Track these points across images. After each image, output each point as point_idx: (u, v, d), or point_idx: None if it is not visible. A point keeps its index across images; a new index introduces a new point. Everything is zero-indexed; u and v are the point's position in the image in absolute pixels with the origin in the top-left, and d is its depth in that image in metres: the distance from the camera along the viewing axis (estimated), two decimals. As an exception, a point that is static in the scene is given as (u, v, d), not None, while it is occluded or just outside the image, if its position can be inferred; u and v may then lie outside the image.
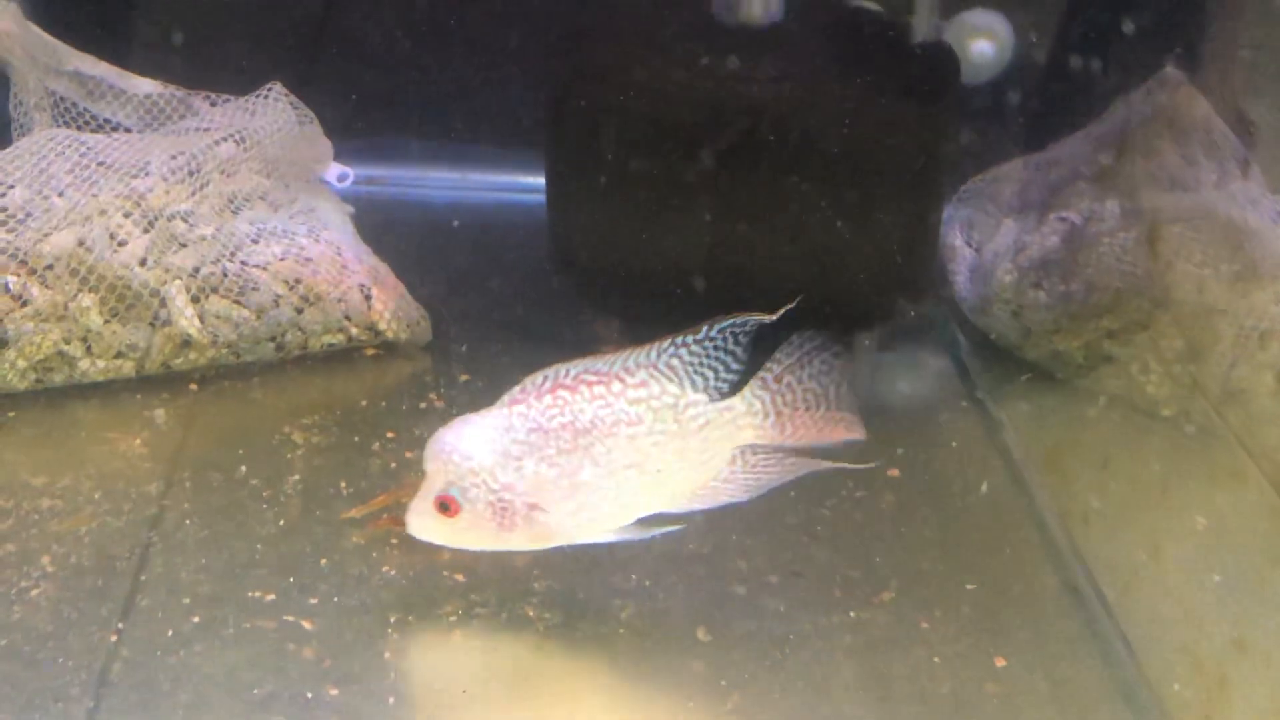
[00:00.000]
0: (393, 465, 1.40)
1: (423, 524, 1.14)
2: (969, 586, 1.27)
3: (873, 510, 1.37)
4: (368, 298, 1.61)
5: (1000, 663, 1.18)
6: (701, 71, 1.59)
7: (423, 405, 1.51)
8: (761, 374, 1.16)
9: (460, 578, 1.24)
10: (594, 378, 1.13)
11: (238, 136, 1.71)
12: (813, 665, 1.16)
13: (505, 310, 1.73)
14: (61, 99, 1.80)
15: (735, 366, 1.15)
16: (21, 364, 1.44)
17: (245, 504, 1.32)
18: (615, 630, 1.19)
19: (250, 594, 1.21)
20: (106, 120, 1.82)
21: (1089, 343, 1.58)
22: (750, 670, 1.15)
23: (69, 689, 1.08)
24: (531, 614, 1.20)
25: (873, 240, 1.63)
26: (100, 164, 1.63)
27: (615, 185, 1.64)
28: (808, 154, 1.59)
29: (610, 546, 1.28)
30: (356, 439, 1.45)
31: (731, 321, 1.14)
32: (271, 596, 1.20)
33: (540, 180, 1.81)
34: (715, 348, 1.15)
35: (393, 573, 1.24)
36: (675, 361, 1.14)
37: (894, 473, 1.43)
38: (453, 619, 1.19)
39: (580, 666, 1.15)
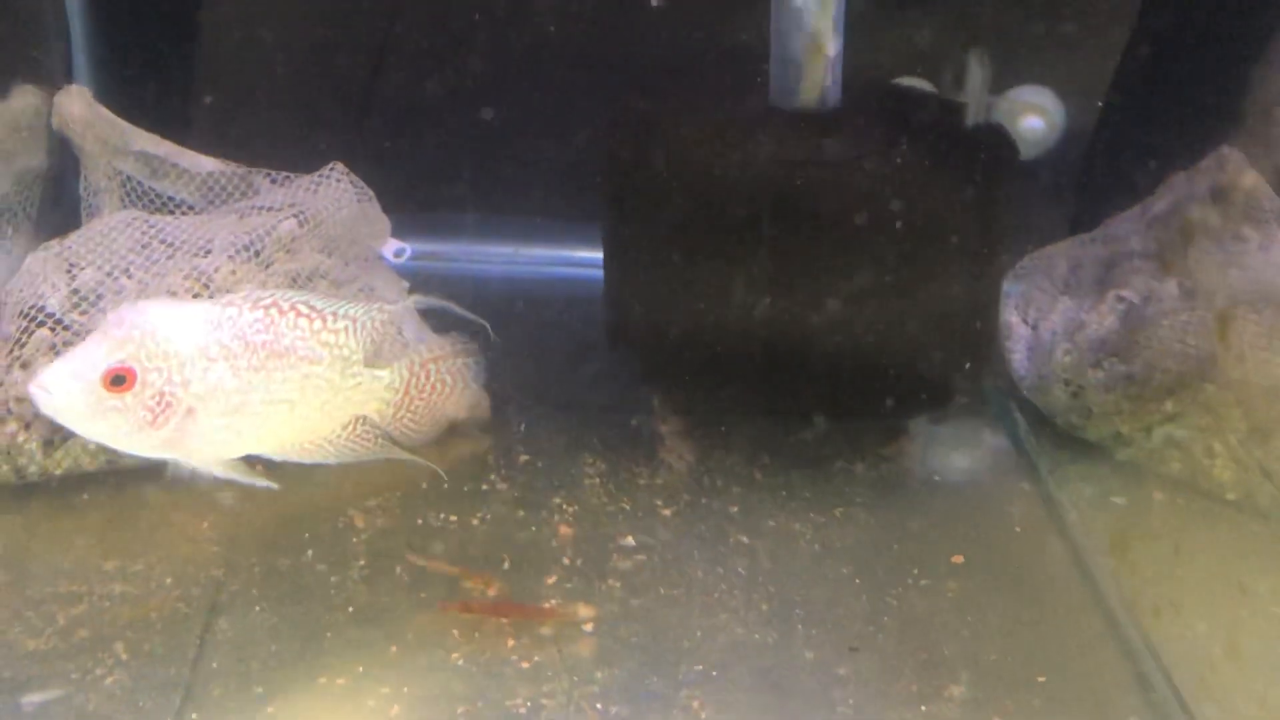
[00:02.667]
0: (456, 547, 1.41)
1: (67, 386, 1.06)
2: (1040, 679, 1.26)
3: (938, 598, 1.36)
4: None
5: (1075, 760, 1.16)
6: (758, 153, 1.61)
7: (484, 487, 1.52)
8: (411, 355, 1.23)
9: (526, 665, 1.24)
10: (306, 309, 1.14)
11: (299, 215, 1.74)
12: (885, 762, 1.15)
13: (563, 387, 1.74)
14: (128, 178, 1.84)
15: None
16: (93, 446, 1.46)
17: (312, 589, 1.33)
18: (684, 724, 1.18)
19: (319, 681, 1.21)
20: (170, 198, 1.86)
21: (1151, 425, 1.57)
22: (822, 767, 1.14)
23: (144, 782, 1.08)
24: (600, 705, 1.20)
25: (932, 318, 1.63)
26: (165, 243, 1.67)
27: (672, 264, 1.65)
28: (864, 234, 1.60)
29: (676, 637, 1.28)
30: (420, 521, 1.45)
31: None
32: (341, 681, 1.21)
33: (594, 254, 1.83)
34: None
35: (461, 661, 1.24)
36: (370, 323, 1.18)
37: (958, 559, 1.42)
38: (522, 710, 1.19)
39: (651, 762, 1.15)
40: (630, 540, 1.42)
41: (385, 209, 1.89)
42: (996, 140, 1.67)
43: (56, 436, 1.46)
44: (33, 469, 1.45)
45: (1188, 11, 1.91)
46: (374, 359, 1.20)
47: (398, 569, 1.37)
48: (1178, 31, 1.93)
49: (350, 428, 1.22)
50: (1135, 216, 1.79)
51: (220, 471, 1.16)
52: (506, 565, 1.37)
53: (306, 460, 1.21)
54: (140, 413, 1.08)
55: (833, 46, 1.63)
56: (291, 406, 1.15)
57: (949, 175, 1.59)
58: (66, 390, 1.07)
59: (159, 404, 1.09)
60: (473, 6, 2.08)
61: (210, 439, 1.13)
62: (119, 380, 1.07)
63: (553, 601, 1.32)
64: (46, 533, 1.40)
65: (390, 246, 1.99)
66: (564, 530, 1.44)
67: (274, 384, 1.13)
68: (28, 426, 1.45)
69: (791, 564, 1.40)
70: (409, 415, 1.25)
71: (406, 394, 1.23)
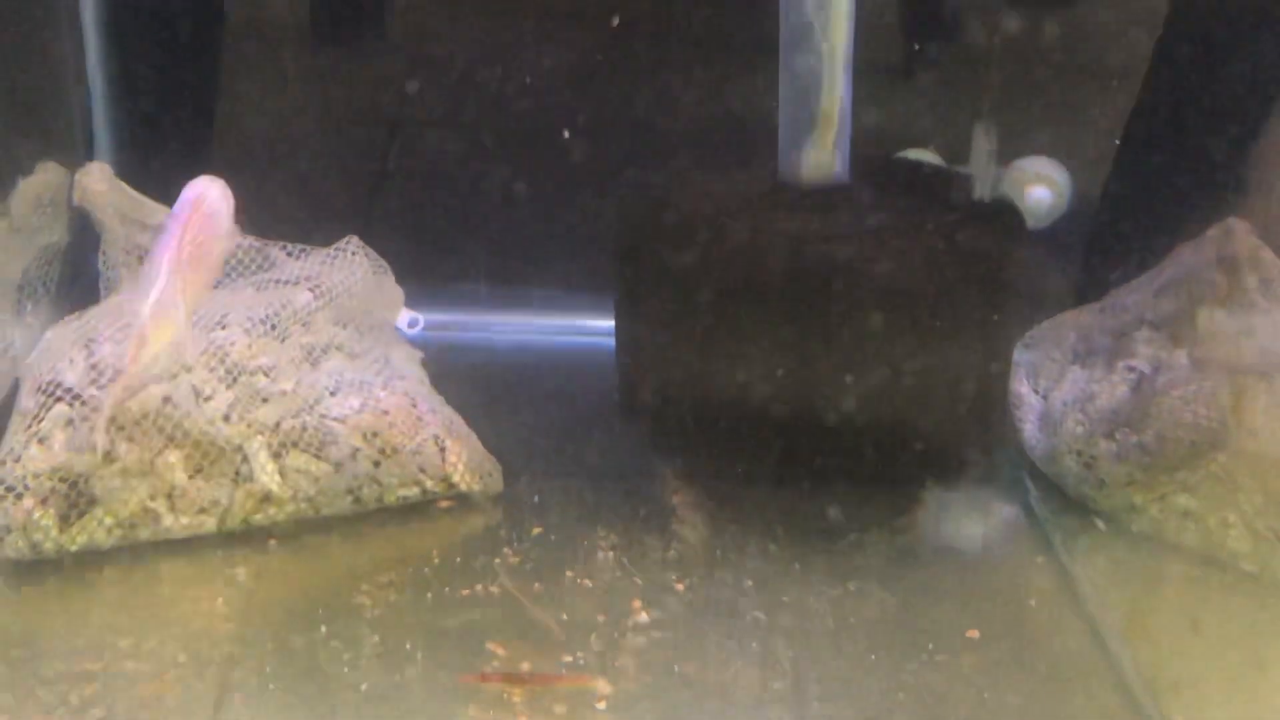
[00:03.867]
0: (471, 620, 1.40)
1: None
2: (1058, 757, 1.25)
3: (955, 674, 1.35)
4: (442, 449, 1.63)
5: (1097, 842, 1.14)
6: (767, 229, 1.64)
7: (496, 561, 1.52)
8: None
9: (541, 745, 1.24)
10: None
11: (314, 287, 1.77)
12: (904, 845, 1.13)
13: (575, 459, 1.75)
14: (146, 252, 1.87)
15: None
16: (109, 521, 1.47)
17: (325, 666, 1.33)
18: (700, 805, 1.17)
19: (332, 762, 1.21)
20: (188, 271, 1.88)
21: (1165, 495, 1.57)
22: None
23: None
24: (615, 786, 1.19)
25: (942, 389, 1.64)
26: (183, 316, 1.68)
27: (683, 337, 1.67)
28: (872, 307, 1.62)
29: (691, 716, 1.28)
30: (430, 596, 1.45)
31: None
32: (353, 764, 1.21)
33: (605, 323, 1.84)
34: None
35: (474, 742, 1.24)
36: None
37: (973, 633, 1.42)
38: (536, 792, 1.18)
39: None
40: (644, 616, 1.42)
41: (398, 280, 1.91)
42: (1004, 214, 1.69)
43: (73, 512, 1.47)
44: (48, 545, 1.45)
45: (1190, 84, 1.94)
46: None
47: (408, 645, 1.36)
48: (1180, 103, 1.96)
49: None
50: (1143, 286, 1.80)
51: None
52: (519, 641, 1.37)
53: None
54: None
55: (840, 122, 1.66)
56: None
57: (957, 248, 1.60)
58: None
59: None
60: (485, 81, 2.13)
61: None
62: None
63: (568, 674, 1.32)
64: (60, 609, 1.41)
65: (404, 317, 2.02)
66: (578, 604, 1.43)
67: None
68: (44, 502, 1.45)
69: (807, 640, 1.39)
70: None
71: None
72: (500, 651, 1.35)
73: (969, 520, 1.65)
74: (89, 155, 2.02)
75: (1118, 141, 1.99)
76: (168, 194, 1.87)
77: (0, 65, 1.89)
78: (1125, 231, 1.97)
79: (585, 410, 1.88)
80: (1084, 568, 1.54)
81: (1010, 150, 2.03)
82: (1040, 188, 2.01)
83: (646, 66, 2.13)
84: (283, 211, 2.10)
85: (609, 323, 1.83)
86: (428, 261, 2.11)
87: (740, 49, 2.09)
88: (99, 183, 1.83)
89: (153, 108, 2.08)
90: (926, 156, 1.99)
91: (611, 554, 1.53)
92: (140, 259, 1.86)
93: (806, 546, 1.56)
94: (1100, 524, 1.61)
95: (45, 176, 1.87)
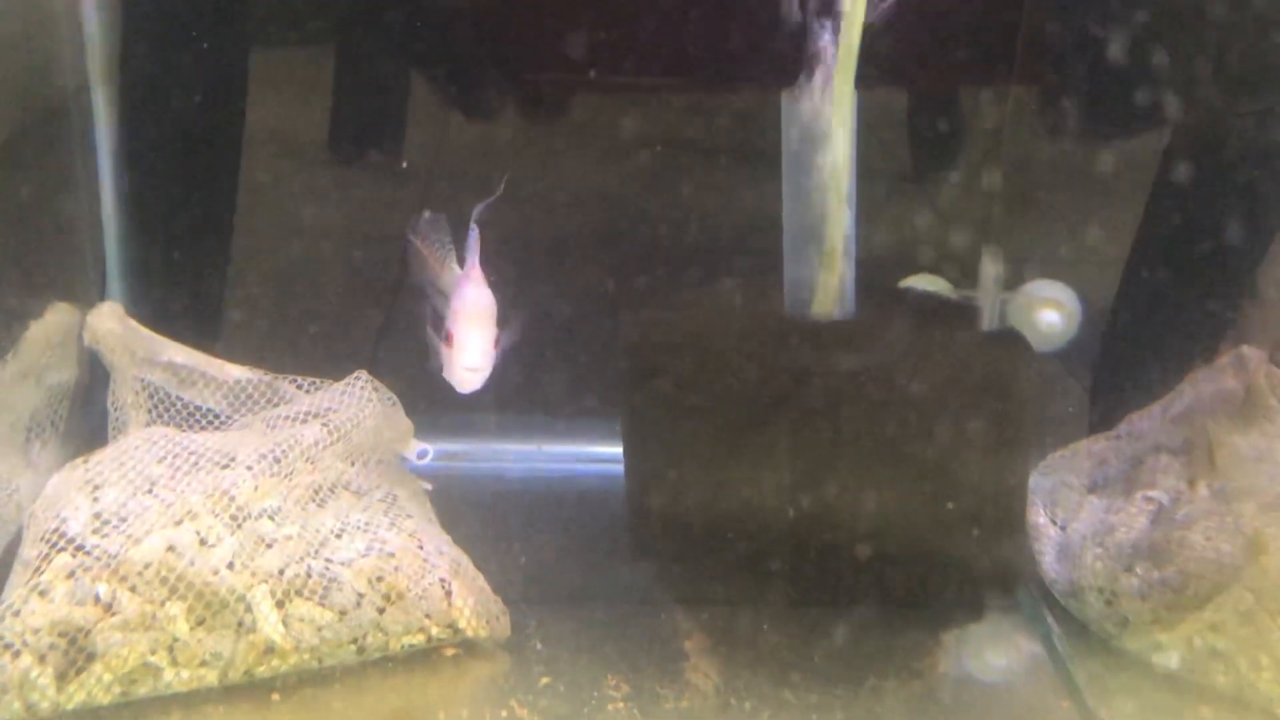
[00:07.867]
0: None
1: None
2: None
3: (980, 835, 1.30)
4: (448, 594, 1.60)
5: None
6: (775, 361, 1.63)
7: (504, 713, 1.48)
8: None
9: None
10: None
11: (324, 424, 1.76)
12: None
13: (584, 602, 1.71)
14: (156, 389, 1.87)
15: None
16: (108, 678, 1.44)
17: (326, 834, 1.28)
18: None
19: None
20: (197, 407, 1.88)
21: (1191, 635, 1.52)
22: None
23: None
24: None
25: (959, 522, 1.62)
26: (189, 455, 1.68)
27: (694, 477, 1.65)
28: (884, 439, 1.60)
29: None
30: (436, 752, 1.41)
31: None
32: None
33: (614, 449, 1.82)
34: None
35: None
36: None
37: (999, 788, 1.36)
38: None
39: None
40: (656, 778, 1.37)
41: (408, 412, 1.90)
42: (1011, 343, 1.68)
43: (71, 669, 1.44)
44: (45, 705, 1.42)
45: (1194, 205, 1.94)
46: None
47: (414, 808, 1.32)
48: (1185, 224, 1.96)
49: None
50: (1157, 414, 1.78)
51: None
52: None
53: None
54: None
55: (845, 254, 1.67)
56: None
57: (965, 379, 1.59)
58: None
59: None
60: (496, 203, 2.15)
61: None
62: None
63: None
64: (55, 773, 1.37)
65: (414, 449, 2.00)
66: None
67: None
68: (42, 659, 1.43)
69: (824, 799, 1.34)
70: None
71: None
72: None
73: (990, 661, 1.61)
74: (101, 295, 2.04)
75: (1124, 264, 1.98)
76: (182, 330, 1.89)
77: (13, 206, 1.91)
78: (1133, 355, 1.95)
79: (596, 543, 1.85)
80: (1111, 712, 1.49)
81: (1020, 274, 2.03)
82: (1050, 312, 2.00)
83: (659, 186, 2.15)
84: (294, 345, 2.11)
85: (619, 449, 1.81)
86: (436, 392, 2.10)
87: (753, 164, 2.10)
88: (110, 323, 1.84)
89: (167, 244, 2.10)
90: (933, 283, 1.99)
91: (623, 705, 1.49)
92: (150, 396, 1.87)
93: (824, 693, 1.51)
94: (1126, 664, 1.56)
95: (56, 317, 1.88)
